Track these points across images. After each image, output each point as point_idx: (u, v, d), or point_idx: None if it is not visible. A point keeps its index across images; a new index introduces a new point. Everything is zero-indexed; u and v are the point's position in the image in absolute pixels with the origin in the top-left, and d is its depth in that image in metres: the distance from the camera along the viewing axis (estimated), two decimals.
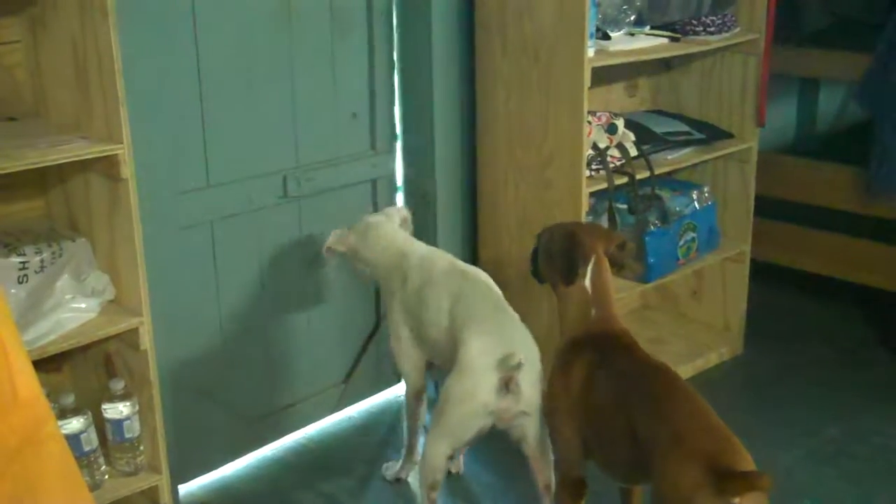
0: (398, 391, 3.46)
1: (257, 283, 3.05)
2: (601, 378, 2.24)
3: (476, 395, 2.36)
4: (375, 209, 3.19)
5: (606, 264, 2.41)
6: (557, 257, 2.42)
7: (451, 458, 2.51)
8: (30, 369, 0.89)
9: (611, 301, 2.40)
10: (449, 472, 2.93)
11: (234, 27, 2.82)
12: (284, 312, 3.14)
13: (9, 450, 0.89)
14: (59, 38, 2.30)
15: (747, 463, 1.93)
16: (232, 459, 3.10)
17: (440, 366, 2.72)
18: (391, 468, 2.99)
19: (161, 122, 2.63)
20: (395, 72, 3.28)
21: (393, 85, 3.26)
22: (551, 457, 2.46)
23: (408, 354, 2.80)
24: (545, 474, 2.51)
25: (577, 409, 2.28)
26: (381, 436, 3.29)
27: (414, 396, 2.88)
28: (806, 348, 3.83)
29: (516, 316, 2.55)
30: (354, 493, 2.97)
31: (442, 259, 2.75)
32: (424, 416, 2.91)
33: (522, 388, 2.35)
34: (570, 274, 2.38)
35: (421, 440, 2.85)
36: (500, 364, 2.32)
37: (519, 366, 2.30)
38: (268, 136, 2.97)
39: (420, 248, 2.81)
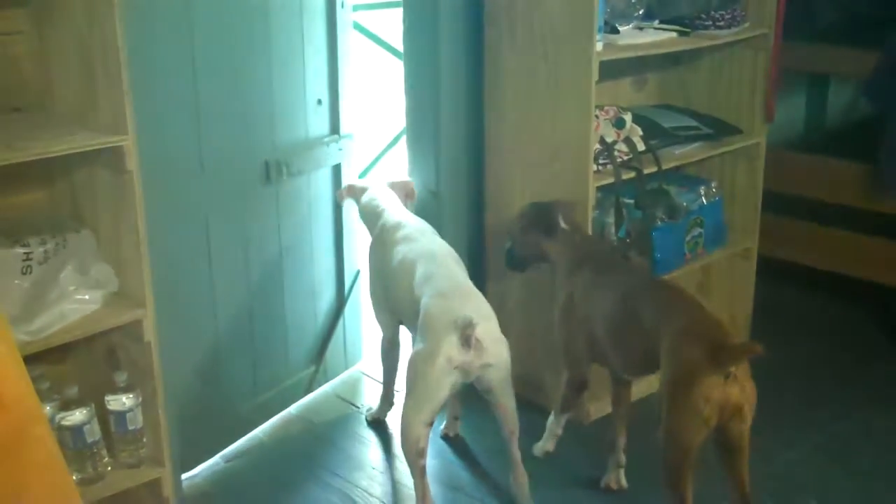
0: (368, 366, 3.64)
1: (243, 269, 3.08)
2: (604, 286, 2.67)
3: (440, 352, 2.49)
4: None
5: (572, 214, 2.88)
6: (538, 221, 2.85)
7: (429, 424, 2.56)
8: (17, 370, 0.83)
9: (588, 231, 2.93)
10: (447, 436, 3.18)
11: (225, 16, 2.84)
12: (267, 296, 3.19)
13: None
14: (65, 29, 2.29)
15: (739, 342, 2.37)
16: (229, 444, 3.13)
17: (407, 325, 2.95)
18: (371, 411, 3.29)
19: (158, 112, 2.61)
20: (402, 64, 3.30)
21: (348, 71, 3.30)
22: (514, 404, 2.67)
23: (382, 307, 3.06)
24: (510, 421, 2.67)
25: (584, 316, 2.69)
26: (360, 409, 3.40)
27: (388, 343, 3.16)
28: (813, 345, 3.82)
29: (474, 287, 2.73)
30: (355, 477, 3.01)
31: (417, 239, 2.90)
32: (398, 360, 3.16)
33: (483, 342, 2.51)
34: (552, 224, 2.82)
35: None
36: (459, 322, 2.47)
37: (474, 323, 2.46)
38: (252, 125, 3.00)
39: (396, 214, 3.03)
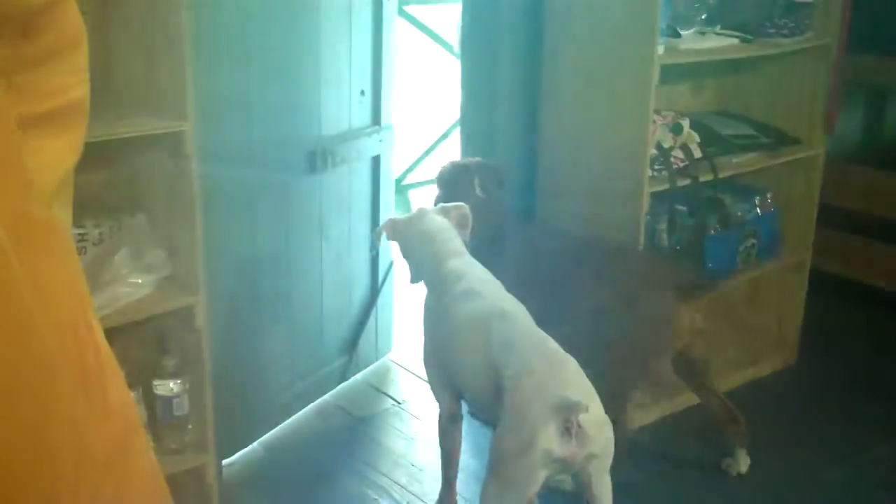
0: (399, 356, 3.71)
1: (285, 257, 3.09)
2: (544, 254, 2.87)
3: (536, 445, 2.04)
4: (377, 185, 3.36)
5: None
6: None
7: None
8: (120, 372, 0.78)
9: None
10: None
11: (279, 7, 2.84)
12: (306, 285, 3.20)
13: (97, 464, 0.77)
14: (128, 13, 2.29)
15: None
16: (266, 431, 3.15)
17: (476, 412, 2.67)
18: None
19: (212, 100, 2.59)
20: (459, 60, 3.28)
21: (392, 63, 3.33)
22: (610, 490, 2.18)
23: (438, 376, 2.52)
24: None
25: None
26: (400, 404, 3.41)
27: (448, 420, 2.58)
28: (861, 363, 3.75)
29: (563, 352, 2.21)
30: (395, 473, 2.99)
31: (482, 293, 2.40)
32: (459, 442, 2.63)
33: (587, 430, 2.05)
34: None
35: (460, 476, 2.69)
36: (558, 408, 2.04)
37: (579, 408, 2.01)
38: (299, 115, 3.02)
39: (460, 263, 2.48)
